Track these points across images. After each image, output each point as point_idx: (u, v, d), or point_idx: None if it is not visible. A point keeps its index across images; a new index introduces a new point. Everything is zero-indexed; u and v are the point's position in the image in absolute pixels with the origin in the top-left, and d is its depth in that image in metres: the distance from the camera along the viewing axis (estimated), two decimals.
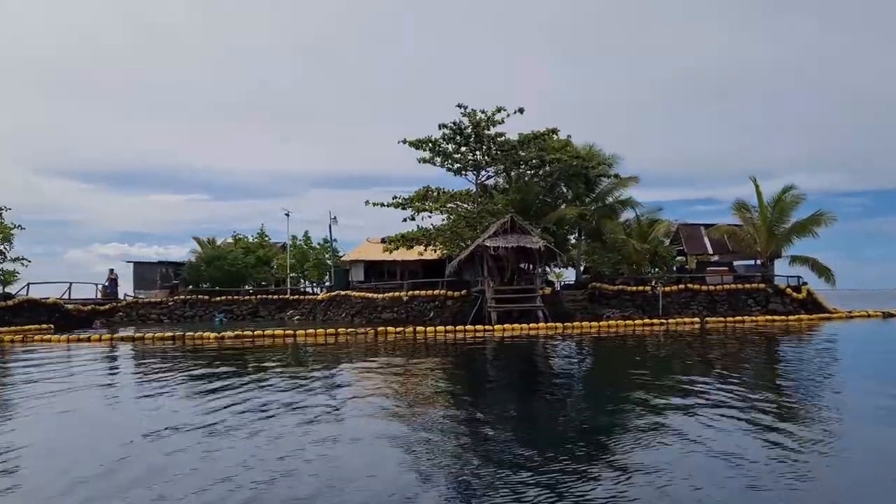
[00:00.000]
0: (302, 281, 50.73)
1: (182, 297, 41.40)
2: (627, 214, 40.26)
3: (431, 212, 34.62)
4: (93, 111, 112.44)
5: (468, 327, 26.49)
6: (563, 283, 44.71)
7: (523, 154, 35.27)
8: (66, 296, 39.32)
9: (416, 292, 33.42)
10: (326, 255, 48.65)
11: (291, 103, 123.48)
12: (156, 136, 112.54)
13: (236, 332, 24.09)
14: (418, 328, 25.75)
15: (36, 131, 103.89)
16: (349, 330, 24.96)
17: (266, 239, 53.22)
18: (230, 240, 52.22)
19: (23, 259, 37.35)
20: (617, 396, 11.90)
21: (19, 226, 37.85)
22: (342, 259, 45.22)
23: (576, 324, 27.41)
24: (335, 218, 42.07)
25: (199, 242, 46.92)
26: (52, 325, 32.70)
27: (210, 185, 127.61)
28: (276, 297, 42.66)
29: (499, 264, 34.09)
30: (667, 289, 33.59)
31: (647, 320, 29.61)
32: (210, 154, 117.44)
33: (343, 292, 37.18)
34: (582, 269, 44.26)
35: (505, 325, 26.74)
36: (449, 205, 34.76)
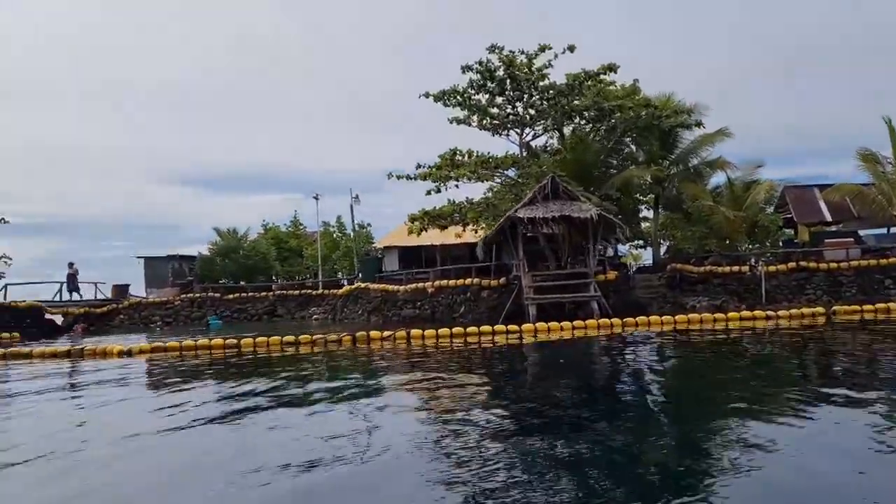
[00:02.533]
0: (339, 273, 44.67)
1: (190, 295, 35.92)
2: (717, 180, 32.22)
3: (458, 179, 27.55)
4: (193, 120, 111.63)
5: (486, 328, 19.09)
6: (638, 266, 37.00)
7: (577, 102, 27.72)
8: (57, 297, 34.60)
9: (444, 282, 26.59)
10: (362, 242, 42.44)
11: (383, 103, 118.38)
12: (253, 141, 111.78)
13: (144, 347, 17.63)
14: (414, 332, 18.69)
15: (149, 142, 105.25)
16: (315, 337, 18.13)
17: (301, 228, 47.50)
18: (261, 230, 46.95)
19: (4, 258, 32.87)
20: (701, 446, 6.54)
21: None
22: (374, 246, 38.84)
23: (641, 318, 19.64)
24: (357, 196, 35.61)
25: (219, 233, 41.39)
26: (17, 334, 27.61)
27: (304, 183, 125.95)
28: (297, 293, 36.63)
29: (552, 245, 27.07)
30: (771, 268, 25.54)
31: (745, 312, 21.73)
32: (303, 155, 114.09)
33: (363, 285, 30.77)
34: (664, 249, 36.43)
35: (540, 324, 19.29)
36: (482, 170, 27.57)
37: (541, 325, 18.78)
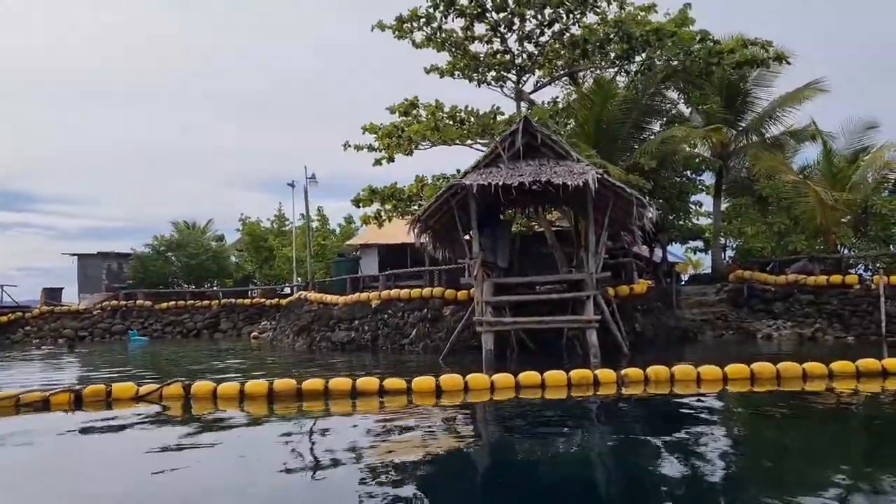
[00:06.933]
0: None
1: (113, 303, 28.48)
2: (807, 157, 23.07)
3: (412, 144, 18.97)
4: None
5: (341, 384, 9.44)
6: (691, 275, 27.82)
7: (599, 31, 18.89)
8: None
9: (395, 293, 18.09)
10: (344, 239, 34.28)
11: None
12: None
13: None
14: (196, 388, 9.55)
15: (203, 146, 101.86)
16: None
17: (287, 224, 39.77)
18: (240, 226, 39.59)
19: None
20: None
21: None
22: (349, 244, 30.64)
23: (658, 369, 9.71)
24: (313, 176, 27.40)
25: (176, 228, 33.86)
26: None
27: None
28: (248, 302, 28.85)
29: (566, 248, 18.83)
30: (894, 279, 16.39)
31: (849, 339, 12.48)
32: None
33: (304, 295, 22.61)
34: (729, 252, 27.21)
35: (497, 376, 9.76)
36: (451, 129, 18.91)
37: (500, 377, 9.56)
